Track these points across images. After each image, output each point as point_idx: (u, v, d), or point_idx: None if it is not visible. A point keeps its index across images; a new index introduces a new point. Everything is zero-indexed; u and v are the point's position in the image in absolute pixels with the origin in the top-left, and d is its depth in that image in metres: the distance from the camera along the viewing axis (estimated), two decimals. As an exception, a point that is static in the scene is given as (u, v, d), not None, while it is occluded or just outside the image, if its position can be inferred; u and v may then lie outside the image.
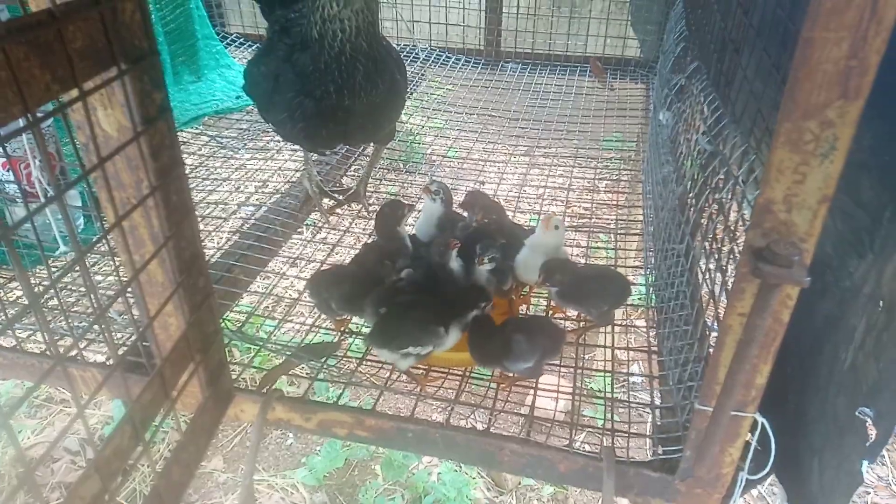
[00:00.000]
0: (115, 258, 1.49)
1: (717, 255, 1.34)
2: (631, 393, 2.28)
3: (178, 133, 2.94)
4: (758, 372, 1.04)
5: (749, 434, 1.13)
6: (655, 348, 1.63)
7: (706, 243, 1.42)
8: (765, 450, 1.15)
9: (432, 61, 3.73)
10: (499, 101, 3.42)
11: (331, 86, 1.64)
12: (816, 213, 0.88)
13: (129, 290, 1.15)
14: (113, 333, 1.66)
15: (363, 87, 1.68)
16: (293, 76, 1.71)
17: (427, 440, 1.37)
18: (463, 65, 3.74)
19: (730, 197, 1.31)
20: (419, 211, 2.01)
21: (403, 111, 2.15)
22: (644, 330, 1.74)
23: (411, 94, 3.39)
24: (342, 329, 1.76)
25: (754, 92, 1.26)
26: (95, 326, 1.59)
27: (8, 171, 1.56)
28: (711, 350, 1.12)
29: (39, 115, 0.75)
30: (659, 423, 1.43)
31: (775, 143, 0.85)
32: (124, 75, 0.91)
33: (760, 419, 1.09)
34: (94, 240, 1.16)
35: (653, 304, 1.77)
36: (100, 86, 0.89)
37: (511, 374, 1.53)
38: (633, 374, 2.24)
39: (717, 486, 1.21)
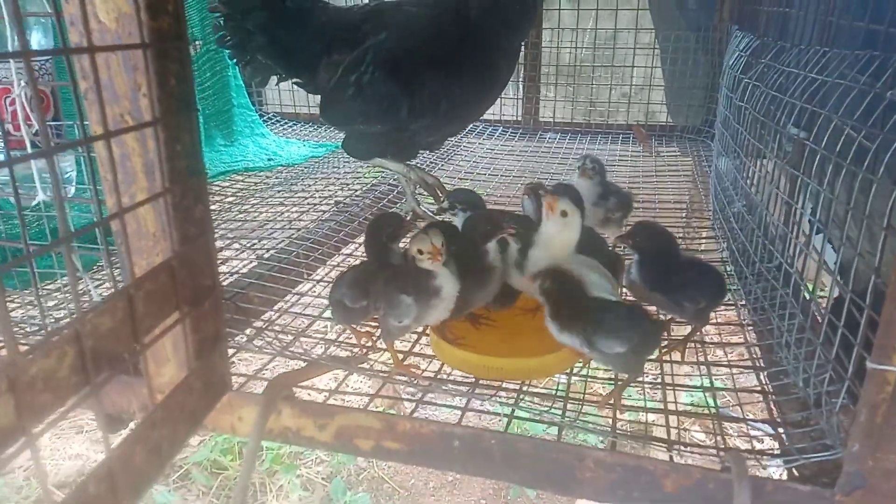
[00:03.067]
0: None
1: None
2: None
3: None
4: (967, 298, 0.72)
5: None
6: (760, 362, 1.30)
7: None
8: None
9: (468, 131, 3.64)
10: (536, 167, 3.25)
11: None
12: None
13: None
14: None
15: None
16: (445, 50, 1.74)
17: (479, 452, 1.03)
18: (500, 134, 3.64)
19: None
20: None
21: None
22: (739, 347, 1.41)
23: (446, 160, 3.27)
24: (364, 342, 1.46)
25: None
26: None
27: (-8, 106, 1.37)
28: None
29: None
30: (786, 440, 1.07)
31: None
32: None
33: (971, 380, 0.75)
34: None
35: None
36: None
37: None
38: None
39: (903, 503, 0.84)
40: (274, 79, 4.26)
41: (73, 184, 1.65)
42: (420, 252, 1.27)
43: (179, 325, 0.92)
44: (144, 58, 0.81)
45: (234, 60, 1.96)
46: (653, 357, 1.27)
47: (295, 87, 4.31)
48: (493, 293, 1.44)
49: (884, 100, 0.94)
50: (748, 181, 1.66)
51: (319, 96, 2.03)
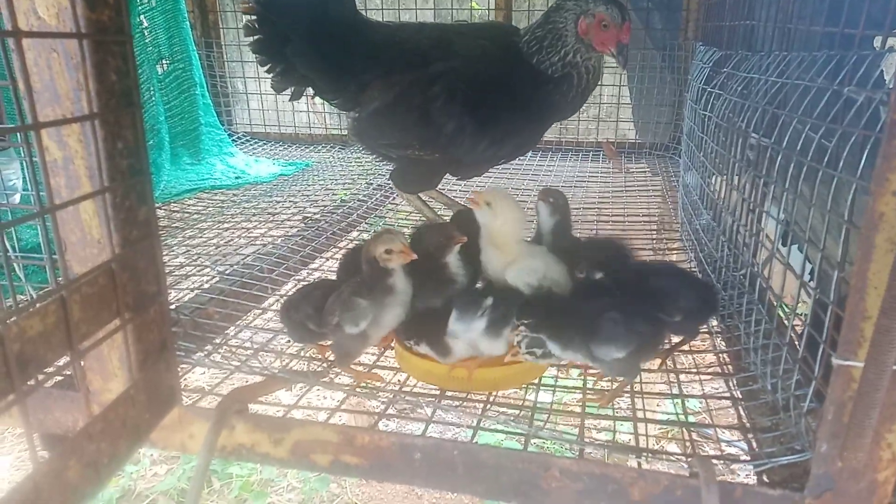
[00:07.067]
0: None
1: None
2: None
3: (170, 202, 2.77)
4: (928, 290, 0.71)
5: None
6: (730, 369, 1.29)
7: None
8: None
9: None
10: (508, 183, 3.25)
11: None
12: None
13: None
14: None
15: None
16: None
17: (441, 463, 0.99)
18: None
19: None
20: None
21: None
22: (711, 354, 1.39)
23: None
24: (328, 356, 1.42)
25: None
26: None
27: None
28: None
29: None
30: (755, 445, 1.05)
31: None
32: None
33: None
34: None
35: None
36: None
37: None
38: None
39: (872, 504, 0.82)
40: (242, 97, 4.15)
41: (19, 191, 1.59)
42: (388, 252, 1.28)
43: (120, 333, 0.86)
44: (81, 49, 0.77)
45: (267, 68, 1.75)
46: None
47: (264, 106, 4.24)
48: None
49: (842, 97, 0.94)
50: (714, 190, 1.66)
51: (353, 115, 1.86)
